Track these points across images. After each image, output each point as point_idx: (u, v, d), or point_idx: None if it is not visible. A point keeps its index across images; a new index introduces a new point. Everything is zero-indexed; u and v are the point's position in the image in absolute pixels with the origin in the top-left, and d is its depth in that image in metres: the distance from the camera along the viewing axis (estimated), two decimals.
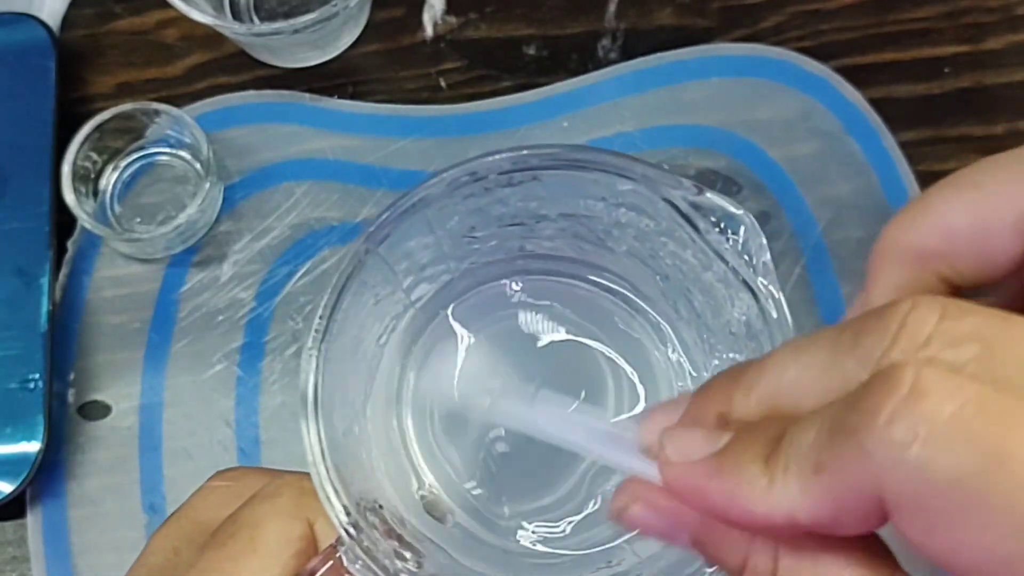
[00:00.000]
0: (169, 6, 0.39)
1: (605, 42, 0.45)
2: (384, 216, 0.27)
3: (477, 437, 0.32)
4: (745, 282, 0.26)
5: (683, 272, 0.29)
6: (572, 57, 0.45)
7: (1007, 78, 0.44)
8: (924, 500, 0.16)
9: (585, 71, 0.45)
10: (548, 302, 0.33)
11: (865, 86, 0.44)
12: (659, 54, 0.44)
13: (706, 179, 0.42)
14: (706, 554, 0.20)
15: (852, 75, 0.44)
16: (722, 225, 0.26)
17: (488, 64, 0.45)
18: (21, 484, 0.39)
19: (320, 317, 0.26)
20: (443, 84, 0.45)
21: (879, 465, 0.16)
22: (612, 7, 0.46)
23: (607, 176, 0.27)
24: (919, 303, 0.17)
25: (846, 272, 0.41)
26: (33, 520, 0.40)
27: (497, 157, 0.27)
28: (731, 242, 0.26)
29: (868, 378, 0.17)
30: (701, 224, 0.27)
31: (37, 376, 0.40)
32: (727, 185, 0.42)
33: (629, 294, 0.33)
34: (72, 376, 0.41)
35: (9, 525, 0.40)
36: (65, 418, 0.41)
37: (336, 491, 0.25)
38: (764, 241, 0.26)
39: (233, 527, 0.26)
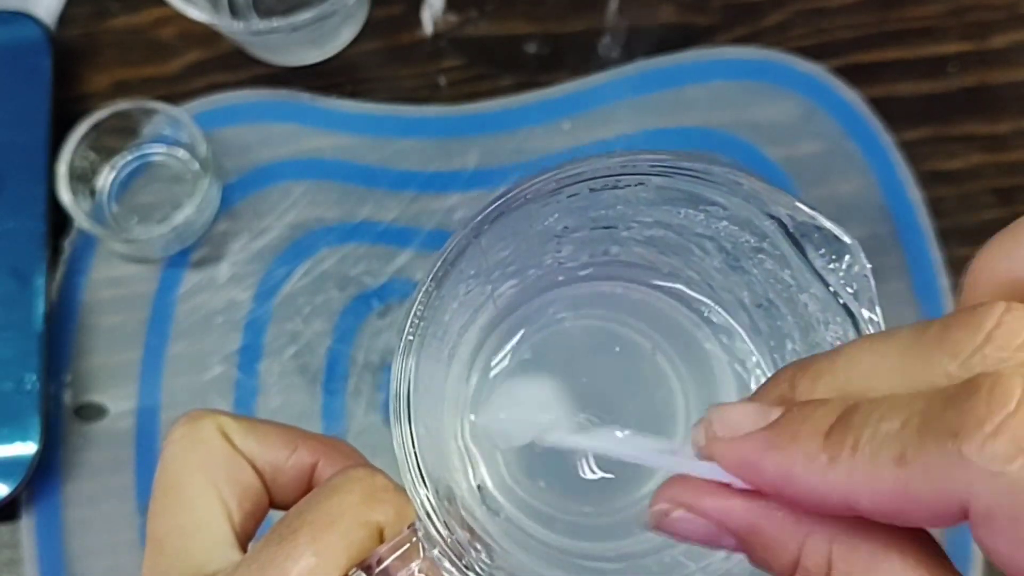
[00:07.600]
0: (166, 4, 0.39)
1: (606, 40, 0.45)
2: (490, 208, 0.27)
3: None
4: (846, 307, 0.26)
5: (776, 291, 0.29)
6: (573, 55, 0.45)
7: (1012, 76, 0.44)
8: (1019, 515, 0.15)
9: (586, 69, 0.44)
10: (623, 308, 0.33)
11: (868, 84, 0.44)
12: (659, 57, 0.44)
13: None
14: (754, 556, 0.20)
15: (855, 73, 0.44)
16: (825, 249, 0.26)
17: (488, 62, 0.45)
18: (17, 486, 0.38)
19: (420, 304, 0.26)
20: (442, 82, 0.45)
21: (975, 474, 0.16)
22: (613, 5, 0.45)
23: (714, 188, 0.27)
24: (1013, 306, 0.17)
25: None
26: (28, 522, 0.40)
27: (609, 163, 0.27)
28: (833, 266, 0.26)
29: (969, 379, 0.17)
30: (806, 245, 0.26)
31: (33, 377, 0.39)
32: None
33: (709, 301, 0.32)
34: (68, 377, 0.41)
35: (5, 528, 0.40)
36: (61, 420, 0.41)
37: (422, 478, 0.25)
38: (869, 267, 0.26)
39: (298, 521, 0.24)
